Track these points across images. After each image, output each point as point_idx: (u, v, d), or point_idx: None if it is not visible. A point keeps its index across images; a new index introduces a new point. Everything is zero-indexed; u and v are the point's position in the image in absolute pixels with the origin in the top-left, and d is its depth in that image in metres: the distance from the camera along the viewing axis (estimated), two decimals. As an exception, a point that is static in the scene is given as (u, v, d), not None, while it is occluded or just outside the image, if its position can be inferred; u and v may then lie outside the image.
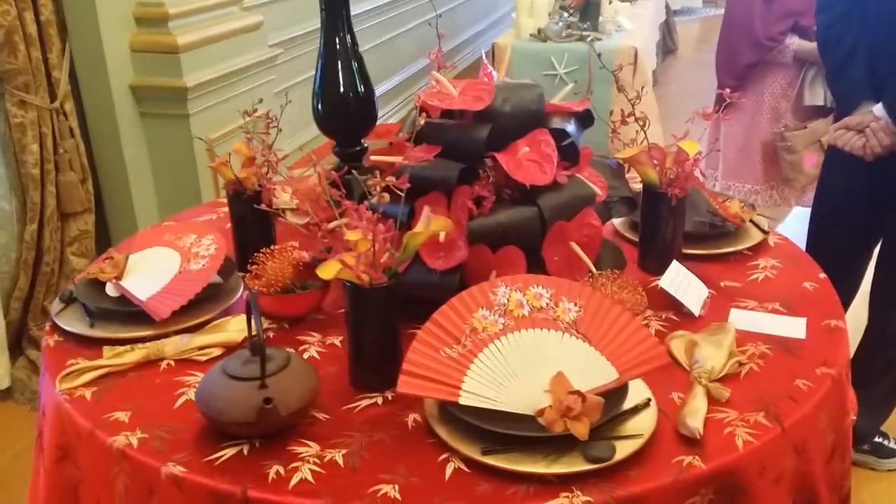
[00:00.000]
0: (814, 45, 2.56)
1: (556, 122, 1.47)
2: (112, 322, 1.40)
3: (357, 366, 1.23)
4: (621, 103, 1.54)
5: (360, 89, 1.60)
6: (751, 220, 1.67)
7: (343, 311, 1.29)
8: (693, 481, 1.01)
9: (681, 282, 1.43)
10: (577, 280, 1.36)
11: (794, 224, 3.17)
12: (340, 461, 1.06)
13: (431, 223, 1.23)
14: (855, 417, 1.32)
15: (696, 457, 1.04)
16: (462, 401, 1.08)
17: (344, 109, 1.61)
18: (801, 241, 1.94)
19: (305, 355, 1.32)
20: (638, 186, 1.59)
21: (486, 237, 1.35)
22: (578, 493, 0.98)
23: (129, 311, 1.40)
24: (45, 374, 1.31)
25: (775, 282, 1.50)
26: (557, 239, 1.40)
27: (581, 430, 1.03)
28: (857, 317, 2.27)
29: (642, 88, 1.58)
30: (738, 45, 2.87)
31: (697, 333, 1.30)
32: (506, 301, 1.17)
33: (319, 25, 1.60)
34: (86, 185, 2.68)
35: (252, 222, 1.56)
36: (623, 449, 1.03)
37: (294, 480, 1.02)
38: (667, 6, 6.71)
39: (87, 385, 1.25)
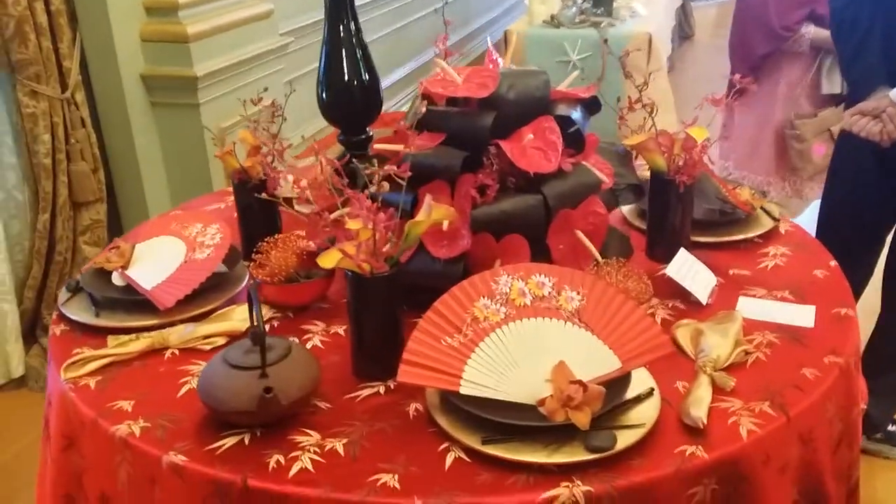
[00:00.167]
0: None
1: (562, 109, 1.46)
2: (117, 311, 1.41)
3: (359, 355, 1.22)
4: (634, 90, 1.52)
5: (364, 77, 1.59)
6: (761, 208, 1.65)
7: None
8: (695, 471, 1.00)
9: (688, 270, 1.41)
10: (582, 268, 1.35)
11: (807, 212, 3.12)
12: (341, 450, 1.05)
13: (433, 212, 1.22)
14: (865, 406, 1.31)
15: (699, 446, 1.03)
16: (463, 390, 1.07)
17: (348, 98, 1.60)
18: (813, 229, 1.92)
19: (309, 344, 1.31)
20: (646, 173, 1.57)
21: (490, 226, 1.34)
22: (579, 482, 0.97)
23: (134, 301, 1.41)
24: (51, 363, 1.32)
25: (785, 270, 1.48)
26: (562, 227, 1.39)
27: (582, 419, 1.02)
28: (870, 305, 2.24)
29: (650, 75, 1.56)
30: (753, 34, 2.81)
31: (704, 322, 1.28)
32: (508, 290, 1.16)
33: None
34: (97, 175, 2.69)
35: (257, 211, 1.56)
36: (625, 438, 1.03)
37: (294, 469, 1.02)
38: (683, -9, 6.65)
39: (91, 374, 1.25)
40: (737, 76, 1.53)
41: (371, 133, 1.67)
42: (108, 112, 2.74)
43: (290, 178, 1.44)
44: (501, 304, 1.15)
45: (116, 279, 1.47)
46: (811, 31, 2.74)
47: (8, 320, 2.59)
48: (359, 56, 1.60)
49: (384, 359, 1.18)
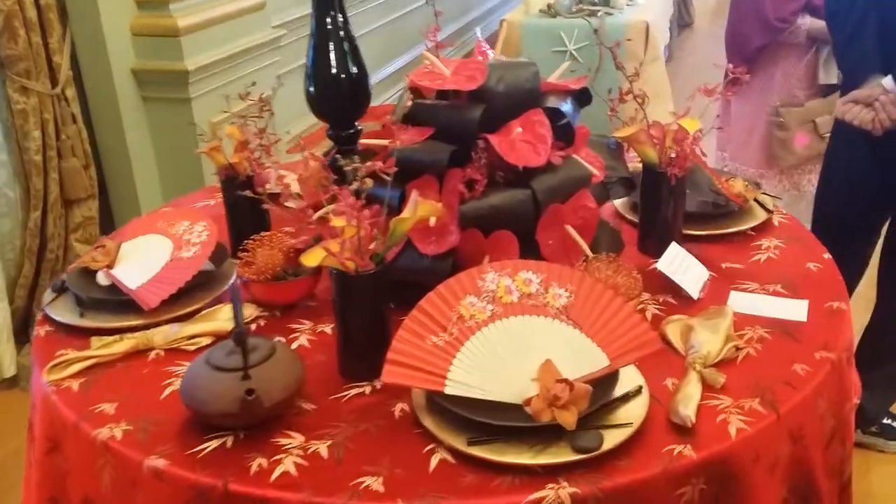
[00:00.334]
0: None
1: (552, 102, 1.43)
2: (102, 312, 1.39)
3: (345, 354, 1.21)
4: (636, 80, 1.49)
5: (352, 70, 1.57)
6: (755, 199, 1.63)
7: (334, 298, 1.27)
8: (683, 471, 0.99)
9: (679, 264, 1.39)
10: (572, 264, 1.33)
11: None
12: (325, 453, 1.04)
13: (419, 208, 1.20)
14: (858, 401, 1.29)
15: (688, 445, 1.01)
16: (448, 390, 1.06)
17: (336, 91, 1.57)
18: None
19: (295, 343, 1.30)
20: (639, 166, 1.55)
21: (479, 221, 1.32)
22: (564, 483, 0.96)
23: (119, 301, 1.39)
24: (35, 365, 1.31)
25: (778, 263, 1.46)
26: (552, 222, 1.37)
27: (568, 419, 1.00)
28: (866, 297, 2.22)
29: (640, 65, 1.53)
30: (748, 26, 2.75)
31: (694, 318, 1.27)
32: (494, 287, 1.14)
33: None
34: (89, 172, 2.67)
35: (245, 208, 1.53)
36: (612, 438, 1.01)
37: (276, 473, 1.00)
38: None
39: (74, 376, 1.24)
40: (730, 66, 1.50)
41: (360, 127, 1.65)
42: (99, 108, 2.72)
43: (279, 173, 1.42)
44: (488, 302, 1.13)
45: (101, 279, 1.46)
46: (807, 22, 2.69)
47: (-1, 319, 2.59)
48: (346, 49, 1.57)
49: (370, 358, 1.16)
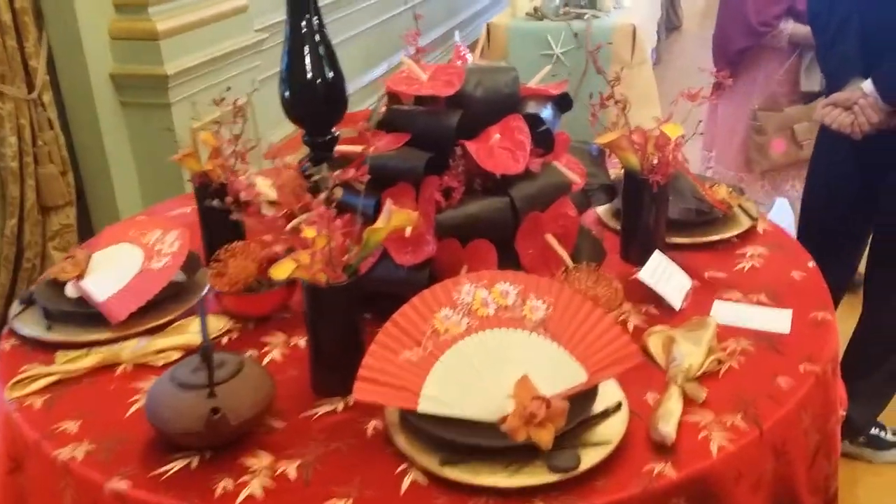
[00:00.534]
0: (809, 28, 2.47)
1: (532, 107, 1.41)
2: (70, 325, 1.35)
3: (317, 369, 1.17)
4: (615, 84, 1.45)
5: (328, 74, 1.54)
6: (739, 206, 1.60)
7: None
8: (662, 491, 0.96)
9: (661, 273, 1.36)
10: (552, 274, 1.30)
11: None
12: (293, 474, 1.00)
13: (393, 218, 1.17)
14: (844, 413, 1.26)
15: (668, 464, 0.98)
16: (421, 408, 1.02)
17: (311, 96, 1.54)
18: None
19: (268, 357, 1.26)
20: (621, 172, 1.52)
21: (456, 230, 1.29)
22: (540, 505, 0.93)
23: (87, 313, 1.35)
24: (-1, 381, 1.27)
25: (762, 271, 1.43)
26: (531, 231, 1.34)
27: (545, 437, 0.97)
28: (852, 304, 2.20)
29: (621, 69, 1.50)
30: (731, 29, 2.75)
31: (676, 329, 1.24)
32: (470, 300, 1.11)
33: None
34: (66, 178, 2.61)
35: (219, 216, 1.49)
36: (590, 457, 0.98)
37: (242, 496, 0.97)
38: (670, -19, 6.59)
39: (38, 392, 1.20)
40: (712, 70, 1.48)
41: (337, 133, 1.62)
42: (76, 113, 2.66)
43: (249, 181, 1.39)
44: (463, 315, 1.10)
45: (70, 290, 1.42)
46: (790, 26, 2.67)
47: (-24, 328, 2.53)
48: (322, 53, 1.54)
49: (343, 373, 1.13)
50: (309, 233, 1.11)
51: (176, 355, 1.27)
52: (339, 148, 1.43)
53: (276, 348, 1.28)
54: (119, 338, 1.31)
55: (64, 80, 2.63)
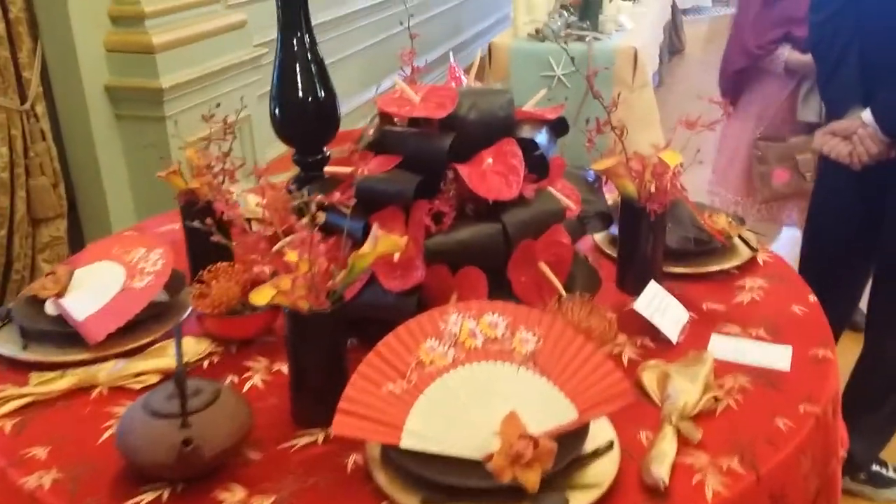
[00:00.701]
0: (806, 57, 2.45)
1: (527, 131, 1.37)
2: (46, 344, 1.31)
3: (298, 398, 1.13)
4: (614, 107, 1.42)
5: (319, 94, 1.50)
6: (739, 237, 1.56)
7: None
8: (654, 539, 0.91)
9: (658, 304, 1.32)
10: (545, 303, 1.26)
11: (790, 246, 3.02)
12: (267, 510, 0.96)
13: (380, 243, 1.13)
14: (845, 454, 1.22)
15: (660, 509, 0.94)
16: (403, 444, 0.98)
17: (302, 115, 1.50)
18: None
19: (249, 383, 1.22)
20: (619, 198, 1.48)
21: (446, 256, 1.25)
22: (525, 551, 0.88)
23: (65, 333, 1.31)
24: (-32, 402, 1.22)
25: (761, 305, 1.39)
26: (524, 259, 1.30)
27: (532, 479, 0.93)
28: (855, 338, 2.15)
29: (618, 95, 1.47)
30: (731, 50, 2.77)
31: (672, 364, 1.19)
32: (457, 331, 1.07)
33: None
34: (58, 190, 2.58)
35: (206, 234, 1.46)
36: (579, 501, 0.93)
37: (212, 532, 0.92)
38: (674, 5, 6.58)
39: (9, 415, 1.16)
40: (709, 97, 1.45)
41: (328, 153, 1.58)
42: (70, 125, 2.63)
43: (230, 201, 1.35)
44: (450, 347, 1.06)
45: (49, 308, 1.38)
46: (786, 52, 2.66)
47: (-38, 340, 2.49)
48: (314, 71, 1.50)
49: (325, 403, 1.07)
50: (292, 256, 1.08)
51: (154, 379, 1.22)
52: (329, 168, 1.39)
53: (257, 374, 1.24)
54: (97, 359, 1.27)
55: (58, 92, 2.61)
